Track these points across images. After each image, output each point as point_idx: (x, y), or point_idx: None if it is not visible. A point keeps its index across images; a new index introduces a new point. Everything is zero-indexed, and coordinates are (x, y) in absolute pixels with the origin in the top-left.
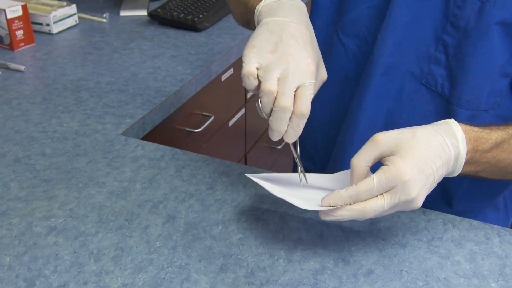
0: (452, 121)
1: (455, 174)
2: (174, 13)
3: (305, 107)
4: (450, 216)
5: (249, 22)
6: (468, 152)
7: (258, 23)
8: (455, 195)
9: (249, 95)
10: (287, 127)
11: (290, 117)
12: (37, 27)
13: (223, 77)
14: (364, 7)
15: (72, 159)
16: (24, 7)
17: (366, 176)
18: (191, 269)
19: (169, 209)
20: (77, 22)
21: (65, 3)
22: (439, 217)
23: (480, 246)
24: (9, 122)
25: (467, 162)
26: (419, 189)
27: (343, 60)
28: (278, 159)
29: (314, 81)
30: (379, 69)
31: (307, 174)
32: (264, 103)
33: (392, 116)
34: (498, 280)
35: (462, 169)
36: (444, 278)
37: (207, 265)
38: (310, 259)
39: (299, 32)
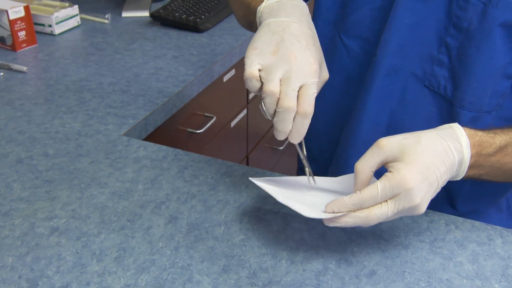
0: (456, 125)
1: (459, 178)
2: (176, 14)
3: (308, 107)
4: (452, 217)
5: (251, 24)
6: (472, 156)
7: (260, 24)
8: (458, 197)
9: (251, 96)
10: (291, 127)
11: (294, 117)
12: (39, 28)
13: (225, 78)
14: (367, 9)
15: (75, 160)
16: (27, 8)
17: (369, 181)
18: (194, 270)
19: (172, 210)
20: (79, 23)
21: (67, 4)
22: (441, 218)
23: (483, 247)
24: (12, 122)
25: (470, 166)
26: (422, 196)
27: (346, 62)
28: (280, 160)
29: (317, 80)
30: (382, 70)
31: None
32: (267, 105)
33: (395, 117)
34: (501, 281)
35: (466, 173)
36: (447, 279)
37: (209, 266)
38: (312, 260)
39: (301, 32)
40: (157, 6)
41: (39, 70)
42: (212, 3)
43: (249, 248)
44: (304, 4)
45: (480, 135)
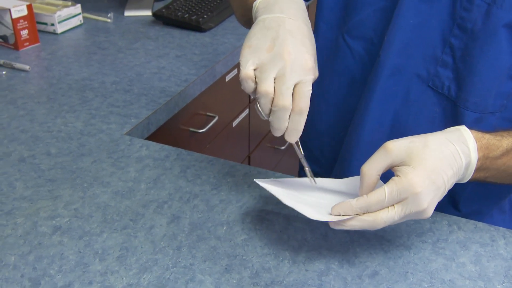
0: (463, 128)
1: (465, 181)
2: (179, 13)
3: (304, 104)
4: (455, 217)
5: (249, 22)
6: (479, 159)
7: (255, 20)
8: (461, 198)
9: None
10: (287, 125)
11: (290, 115)
12: (41, 27)
13: (228, 78)
14: (371, 9)
15: (77, 159)
16: (29, 7)
17: (376, 185)
18: (196, 269)
19: (174, 210)
20: (82, 22)
21: (69, 3)
22: (444, 219)
23: (486, 248)
24: (14, 121)
25: (477, 169)
26: (429, 200)
27: (350, 63)
28: (282, 159)
29: (312, 77)
30: (386, 71)
31: (317, 179)
32: (262, 105)
33: (399, 118)
34: (504, 282)
35: (472, 176)
36: (449, 280)
37: (212, 265)
38: (315, 260)
39: (297, 28)
40: (159, 5)
41: (42, 69)
42: (215, 3)
43: (252, 248)
44: (302, 1)
45: (487, 138)
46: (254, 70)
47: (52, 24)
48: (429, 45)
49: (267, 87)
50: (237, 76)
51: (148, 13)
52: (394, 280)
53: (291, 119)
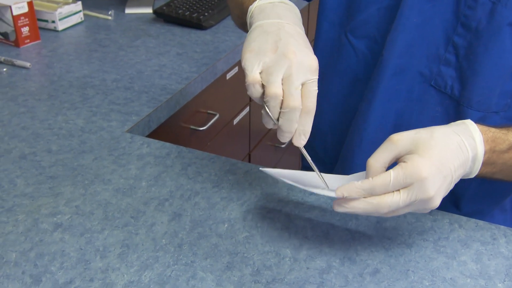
0: (469, 122)
1: (472, 176)
2: (180, 11)
3: (311, 104)
4: (456, 216)
5: (244, 25)
6: (485, 153)
7: (251, 25)
8: (463, 197)
9: None
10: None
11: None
12: (42, 24)
13: (228, 75)
14: (374, 8)
15: (78, 156)
16: (30, 4)
17: None
18: (197, 266)
19: (175, 207)
20: (83, 19)
21: (70, 0)
22: (445, 217)
23: (487, 247)
24: (15, 118)
25: (484, 163)
26: (436, 188)
27: (353, 62)
28: (282, 157)
29: (317, 77)
30: (389, 70)
31: (324, 175)
32: (272, 108)
33: (402, 117)
34: (505, 281)
35: (479, 171)
36: (451, 278)
37: (213, 263)
38: (316, 258)
39: (296, 32)
40: (160, 3)
41: (43, 66)
42: (216, 0)
43: (253, 245)
44: (297, 8)
45: (493, 131)
46: (260, 73)
47: (53, 21)
48: (432, 44)
49: (276, 89)
50: (238, 74)
51: (149, 10)
52: (395, 278)
53: (300, 119)
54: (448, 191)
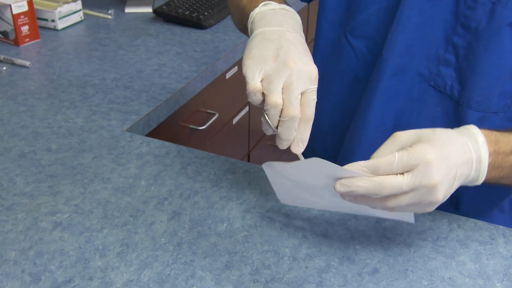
0: (471, 126)
1: (480, 181)
2: (179, 10)
3: (310, 113)
4: (455, 216)
5: (245, 29)
6: (490, 155)
7: (252, 32)
8: (462, 199)
9: None
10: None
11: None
12: (42, 23)
13: (228, 75)
14: (374, 9)
15: (78, 155)
16: (30, 3)
17: None
18: (196, 265)
19: (174, 206)
20: (82, 18)
21: None
22: (444, 217)
23: (485, 246)
24: (15, 117)
25: (490, 166)
26: (441, 176)
27: (353, 62)
28: (281, 157)
29: (316, 86)
30: (389, 70)
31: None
32: (272, 116)
33: (401, 117)
34: (503, 281)
35: (486, 175)
36: (449, 278)
37: (212, 262)
38: (315, 257)
39: (297, 40)
40: (160, 2)
41: (42, 65)
42: (215, 0)
43: (252, 244)
44: (297, 15)
45: (496, 133)
46: (261, 81)
47: (53, 20)
48: (432, 44)
49: (276, 98)
50: (237, 73)
51: (149, 10)
52: (394, 278)
53: (298, 128)
54: (452, 189)
